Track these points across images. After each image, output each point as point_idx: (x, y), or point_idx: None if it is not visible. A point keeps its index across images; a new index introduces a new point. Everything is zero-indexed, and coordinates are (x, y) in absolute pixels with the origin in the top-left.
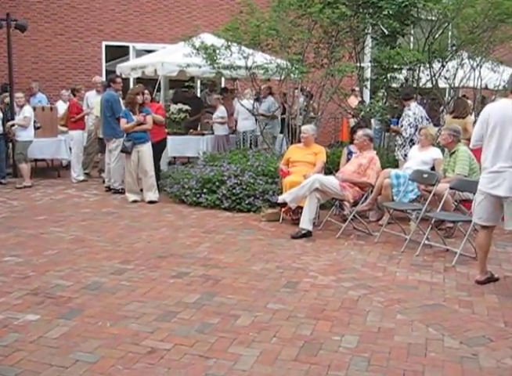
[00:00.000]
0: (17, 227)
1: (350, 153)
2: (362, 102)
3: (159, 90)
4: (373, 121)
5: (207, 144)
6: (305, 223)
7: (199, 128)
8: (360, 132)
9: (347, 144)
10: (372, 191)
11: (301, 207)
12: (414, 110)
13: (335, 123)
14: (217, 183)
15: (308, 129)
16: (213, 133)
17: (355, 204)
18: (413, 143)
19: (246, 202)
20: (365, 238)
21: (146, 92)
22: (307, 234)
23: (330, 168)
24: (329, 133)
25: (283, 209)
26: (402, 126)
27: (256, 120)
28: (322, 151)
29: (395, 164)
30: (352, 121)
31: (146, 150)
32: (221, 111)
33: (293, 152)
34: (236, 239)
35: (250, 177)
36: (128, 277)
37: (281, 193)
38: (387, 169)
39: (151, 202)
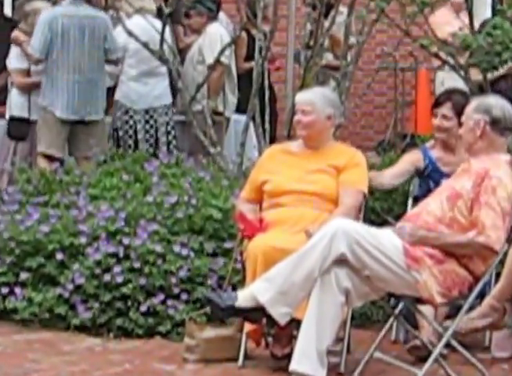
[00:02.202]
0: None
1: (432, 165)
2: (469, 26)
3: None
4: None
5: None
6: (306, 360)
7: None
8: (471, 106)
9: (426, 141)
10: (499, 275)
11: (299, 323)
12: None
13: (395, 85)
14: (59, 256)
15: (313, 100)
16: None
17: (453, 310)
18: None
19: (145, 308)
20: None
21: None
22: None
23: (383, 208)
24: (379, 114)
25: (247, 328)
26: None
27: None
28: (359, 164)
29: None
30: (441, 78)
31: None
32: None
33: (276, 166)
34: None
35: (154, 238)
36: None
37: (242, 281)
38: None
39: None
